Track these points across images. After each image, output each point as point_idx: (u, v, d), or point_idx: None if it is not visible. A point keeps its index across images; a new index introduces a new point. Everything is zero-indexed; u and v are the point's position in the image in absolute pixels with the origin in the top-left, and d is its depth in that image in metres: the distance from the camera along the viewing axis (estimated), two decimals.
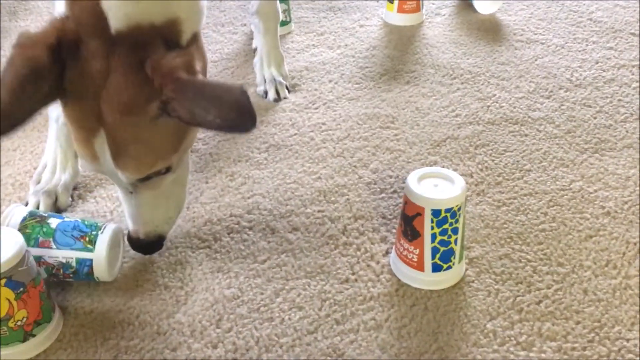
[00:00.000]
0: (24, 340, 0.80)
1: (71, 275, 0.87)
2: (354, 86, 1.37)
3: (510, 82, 1.37)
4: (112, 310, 0.86)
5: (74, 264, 0.85)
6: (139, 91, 0.73)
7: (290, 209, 1.04)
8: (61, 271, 0.86)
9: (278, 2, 1.36)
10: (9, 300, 0.77)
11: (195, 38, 0.79)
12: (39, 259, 0.85)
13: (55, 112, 1.05)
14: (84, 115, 0.75)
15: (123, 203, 0.87)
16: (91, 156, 0.77)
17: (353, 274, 0.91)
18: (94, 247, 0.86)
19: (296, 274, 0.91)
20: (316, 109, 1.30)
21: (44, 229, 0.86)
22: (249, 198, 1.06)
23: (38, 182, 1.05)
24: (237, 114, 0.69)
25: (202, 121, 0.71)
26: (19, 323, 0.78)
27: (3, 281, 0.76)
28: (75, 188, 1.08)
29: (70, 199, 1.05)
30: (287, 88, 1.35)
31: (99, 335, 0.82)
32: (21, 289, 0.78)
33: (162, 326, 0.84)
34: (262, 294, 0.88)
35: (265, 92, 1.34)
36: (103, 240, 0.86)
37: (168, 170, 0.82)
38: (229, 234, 0.99)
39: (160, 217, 0.88)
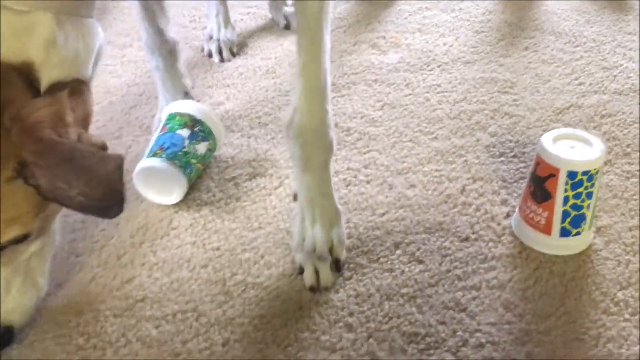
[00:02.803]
0: None
1: None
2: (469, 50, 1.34)
3: (639, 53, 1.29)
4: (237, 248, 0.89)
5: None
6: None
7: (407, 166, 1.03)
8: None
9: (329, 125, 0.81)
10: None
11: (63, 87, 0.65)
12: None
13: None
14: None
15: None
16: None
17: (473, 233, 0.90)
18: None
19: (415, 229, 0.91)
20: (431, 70, 1.28)
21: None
22: (365, 153, 1.07)
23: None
24: (105, 193, 0.60)
25: (61, 196, 0.59)
26: None
27: None
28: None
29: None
30: None
31: (227, 270, 0.86)
32: None
33: (287, 269, 0.86)
34: (381, 245, 0.89)
35: None
36: None
37: (26, 237, 0.66)
38: (346, 186, 1.00)
39: (10, 303, 0.69)
